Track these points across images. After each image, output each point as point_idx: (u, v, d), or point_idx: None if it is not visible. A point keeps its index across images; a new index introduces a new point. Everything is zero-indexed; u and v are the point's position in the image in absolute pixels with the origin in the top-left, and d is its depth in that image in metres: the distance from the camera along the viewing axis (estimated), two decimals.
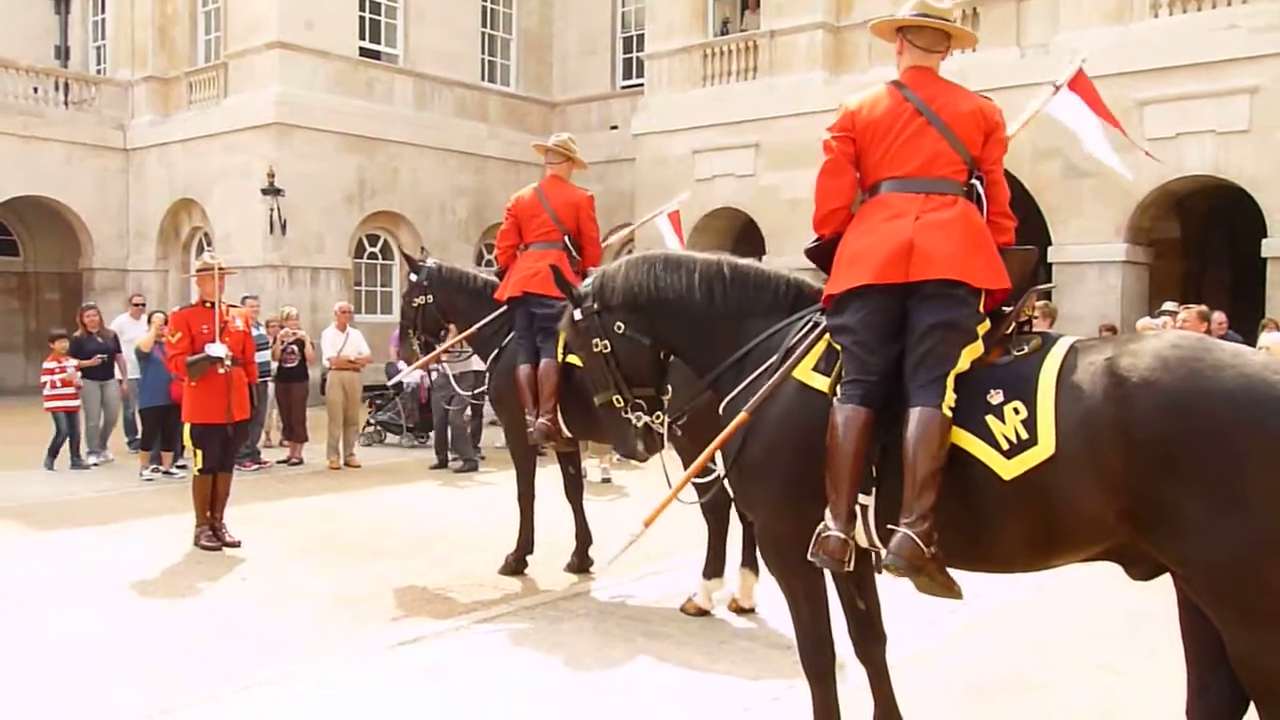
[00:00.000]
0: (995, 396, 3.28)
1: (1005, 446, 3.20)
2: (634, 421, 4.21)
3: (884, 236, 3.52)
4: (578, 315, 4.26)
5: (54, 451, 11.99)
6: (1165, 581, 3.38)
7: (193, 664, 5.44)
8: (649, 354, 4.20)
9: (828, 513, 3.46)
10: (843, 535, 3.42)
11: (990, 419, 3.25)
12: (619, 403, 4.22)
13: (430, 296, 7.51)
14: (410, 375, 11.87)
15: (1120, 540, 3.20)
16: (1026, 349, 3.39)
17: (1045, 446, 3.14)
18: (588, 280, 4.36)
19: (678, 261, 4.16)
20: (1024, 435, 3.18)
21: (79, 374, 11.94)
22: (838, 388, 3.52)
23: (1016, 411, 3.21)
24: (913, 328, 3.47)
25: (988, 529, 3.30)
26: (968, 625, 6.13)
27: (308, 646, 5.72)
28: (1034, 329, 3.65)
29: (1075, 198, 14.86)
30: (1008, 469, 3.19)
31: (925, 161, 3.60)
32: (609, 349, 4.19)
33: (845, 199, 3.74)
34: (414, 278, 7.73)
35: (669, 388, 4.37)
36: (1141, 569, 3.32)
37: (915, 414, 3.32)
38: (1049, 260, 14.99)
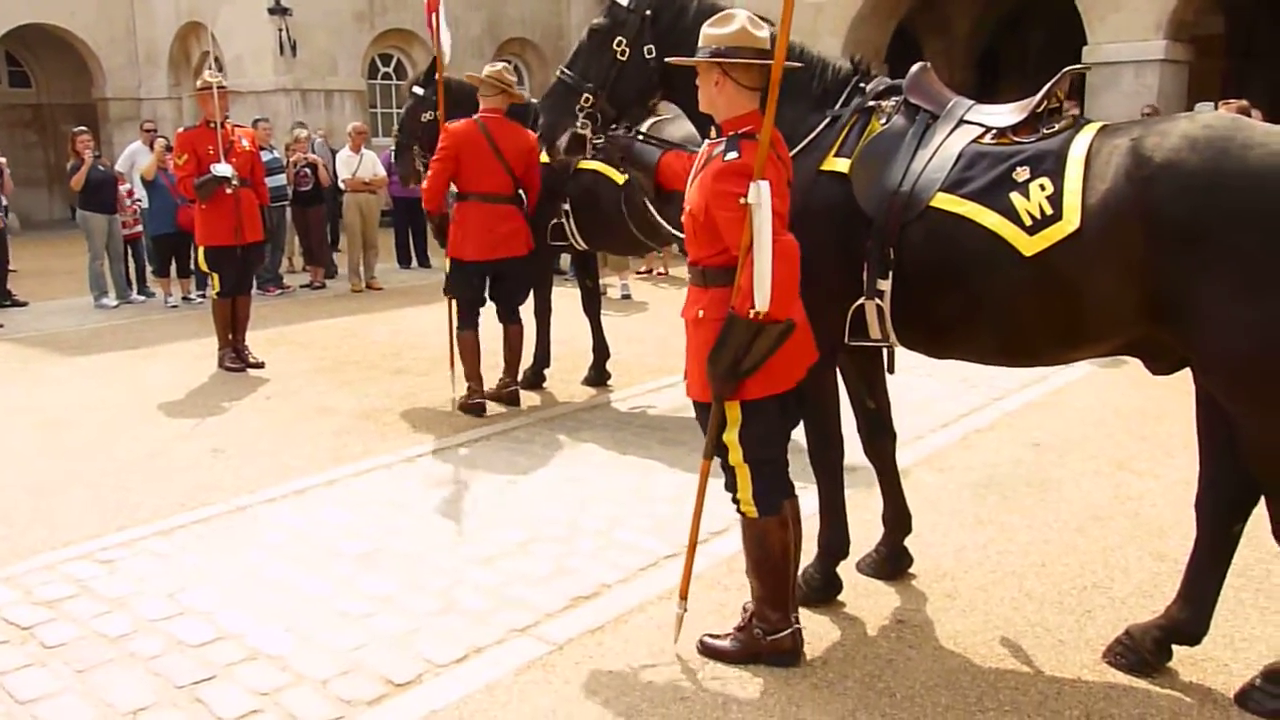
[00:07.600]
0: (1021, 174, 3.18)
1: (1028, 223, 3.11)
2: (579, 124, 3.99)
3: None
4: (624, 2, 3.90)
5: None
6: (1180, 382, 3.33)
7: (221, 475, 5.60)
8: (647, 94, 4.01)
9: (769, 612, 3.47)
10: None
11: (1015, 196, 3.15)
12: (586, 100, 3.97)
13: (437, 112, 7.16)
14: None
15: (1141, 332, 3.12)
16: (1057, 128, 3.27)
17: (1069, 222, 3.05)
18: None
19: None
20: (1048, 211, 3.09)
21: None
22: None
23: (1042, 188, 3.12)
24: None
25: (1007, 312, 3.22)
26: (979, 429, 6.17)
27: (331, 458, 5.86)
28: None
29: None
30: (1029, 245, 3.10)
31: None
32: (624, 58, 3.89)
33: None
34: (420, 91, 7.47)
35: (632, 126, 4.16)
36: (1163, 363, 3.26)
37: None
38: (1083, 60, 14.36)
